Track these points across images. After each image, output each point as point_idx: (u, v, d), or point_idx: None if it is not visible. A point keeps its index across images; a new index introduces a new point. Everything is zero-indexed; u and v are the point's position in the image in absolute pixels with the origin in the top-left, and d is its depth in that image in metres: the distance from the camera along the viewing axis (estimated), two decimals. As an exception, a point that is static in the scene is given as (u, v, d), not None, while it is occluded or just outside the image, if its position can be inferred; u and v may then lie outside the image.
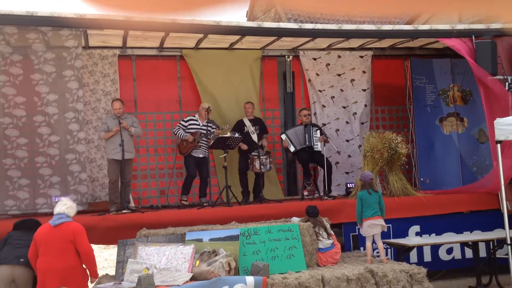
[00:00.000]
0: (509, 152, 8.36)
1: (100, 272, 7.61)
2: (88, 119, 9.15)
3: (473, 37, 9.01)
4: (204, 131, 8.84)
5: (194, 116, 9.15)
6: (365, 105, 10.51)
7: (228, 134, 8.70)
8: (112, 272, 6.98)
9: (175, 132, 9.10)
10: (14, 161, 8.14)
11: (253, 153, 9.00)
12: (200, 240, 6.64)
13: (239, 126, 9.32)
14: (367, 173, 7.50)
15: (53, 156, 8.25)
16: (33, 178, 8.20)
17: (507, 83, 8.73)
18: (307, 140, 9.13)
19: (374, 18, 17.84)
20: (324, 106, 10.33)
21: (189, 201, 9.04)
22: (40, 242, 5.74)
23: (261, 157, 8.85)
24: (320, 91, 10.37)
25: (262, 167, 8.86)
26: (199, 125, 9.00)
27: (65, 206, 6.01)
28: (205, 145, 8.89)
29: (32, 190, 8.17)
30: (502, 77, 8.80)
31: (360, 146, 10.33)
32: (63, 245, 5.70)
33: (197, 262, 6.23)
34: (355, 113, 10.46)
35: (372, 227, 7.07)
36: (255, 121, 9.40)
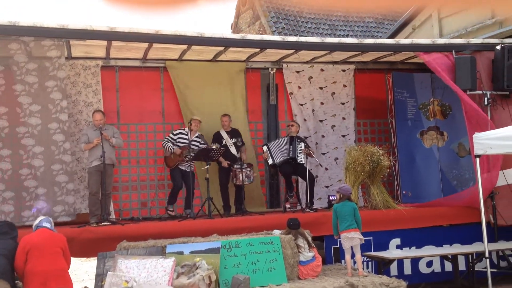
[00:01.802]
0: (489, 166, 8.48)
1: (80, 285, 7.56)
2: (71, 131, 8.98)
3: (453, 52, 9.15)
4: (193, 147, 8.82)
5: (184, 130, 9.13)
6: (343, 118, 10.58)
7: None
8: (91, 284, 6.91)
9: (163, 145, 9.08)
10: None
11: (235, 166, 8.99)
12: (181, 253, 6.61)
13: (217, 138, 9.30)
14: (347, 187, 7.54)
15: (37, 168, 8.22)
16: (18, 190, 8.17)
17: (486, 98, 8.88)
18: (290, 151, 9.14)
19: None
20: (305, 119, 10.38)
21: (175, 211, 9.01)
22: (34, 247, 5.85)
23: (245, 169, 8.85)
24: (302, 104, 10.42)
25: (246, 179, 8.86)
26: (187, 139, 8.97)
27: (49, 221, 6.27)
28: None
29: (17, 202, 8.15)
30: (481, 92, 8.95)
31: (336, 158, 10.38)
32: (56, 249, 5.94)
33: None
34: (334, 126, 10.53)
35: (347, 240, 7.10)
36: (233, 133, 9.38)
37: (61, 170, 8.31)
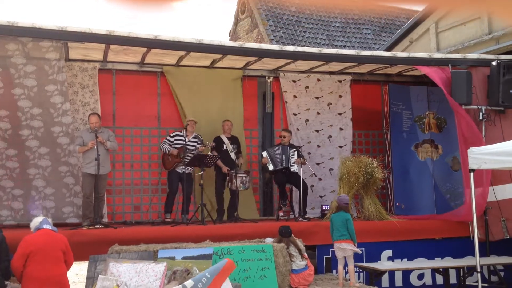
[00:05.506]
0: (481, 181, 8.50)
1: (70, 288, 7.49)
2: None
3: (450, 66, 9.21)
4: (190, 147, 8.82)
5: (181, 132, 9.13)
6: (341, 129, 10.59)
7: (209, 153, 8.72)
8: (82, 287, 6.88)
9: (161, 147, 9.07)
10: (6, 171, 8.24)
11: (232, 171, 8.98)
12: (173, 258, 6.60)
13: (217, 142, 9.30)
14: (343, 197, 7.54)
15: (45, 168, 8.28)
16: (27, 189, 8.30)
17: (481, 113, 8.93)
18: (284, 161, 9.14)
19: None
20: (298, 129, 10.39)
21: (172, 217, 8.98)
22: (36, 251, 5.74)
23: (241, 175, 8.84)
24: (295, 114, 10.43)
25: (241, 185, 8.83)
26: (184, 140, 8.96)
27: (49, 222, 6.12)
28: None
29: (25, 200, 8.28)
30: (476, 106, 9.00)
31: (331, 169, 10.37)
32: (58, 253, 5.86)
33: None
34: (330, 136, 10.54)
35: (339, 250, 7.12)
36: (233, 140, 9.39)
37: (68, 172, 8.42)
